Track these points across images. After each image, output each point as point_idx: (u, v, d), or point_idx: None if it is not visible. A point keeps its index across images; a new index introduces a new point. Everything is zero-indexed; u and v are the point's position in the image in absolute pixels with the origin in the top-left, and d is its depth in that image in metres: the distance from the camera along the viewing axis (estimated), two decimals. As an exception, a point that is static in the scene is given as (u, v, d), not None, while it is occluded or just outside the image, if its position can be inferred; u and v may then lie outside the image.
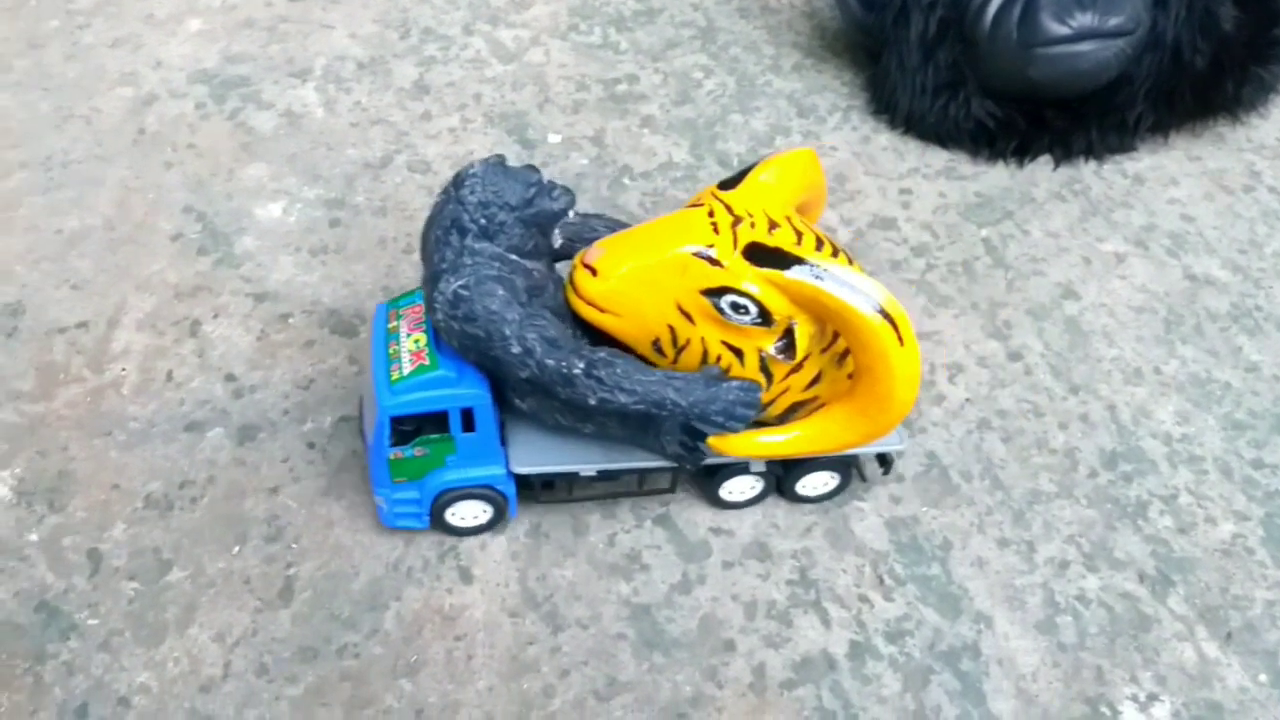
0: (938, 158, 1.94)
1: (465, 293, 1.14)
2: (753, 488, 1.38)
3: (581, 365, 1.15)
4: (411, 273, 1.67)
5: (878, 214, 1.82)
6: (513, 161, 1.79)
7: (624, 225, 1.34)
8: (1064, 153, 1.93)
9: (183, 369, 1.52)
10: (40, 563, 1.31)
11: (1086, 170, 1.93)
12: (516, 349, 1.14)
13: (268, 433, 1.45)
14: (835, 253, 1.18)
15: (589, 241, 1.27)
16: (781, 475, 1.37)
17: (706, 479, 1.37)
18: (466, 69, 2.04)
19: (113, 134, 1.86)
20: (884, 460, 1.39)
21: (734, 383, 1.19)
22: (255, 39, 2.05)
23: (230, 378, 1.52)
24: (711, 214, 1.18)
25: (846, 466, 1.37)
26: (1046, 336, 1.64)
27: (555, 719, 1.20)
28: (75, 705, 1.19)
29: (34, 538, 1.33)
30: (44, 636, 1.25)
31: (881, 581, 1.33)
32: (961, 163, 1.93)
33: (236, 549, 1.33)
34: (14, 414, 1.46)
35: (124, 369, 1.52)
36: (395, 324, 1.26)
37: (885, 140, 1.96)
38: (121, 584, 1.29)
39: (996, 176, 1.91)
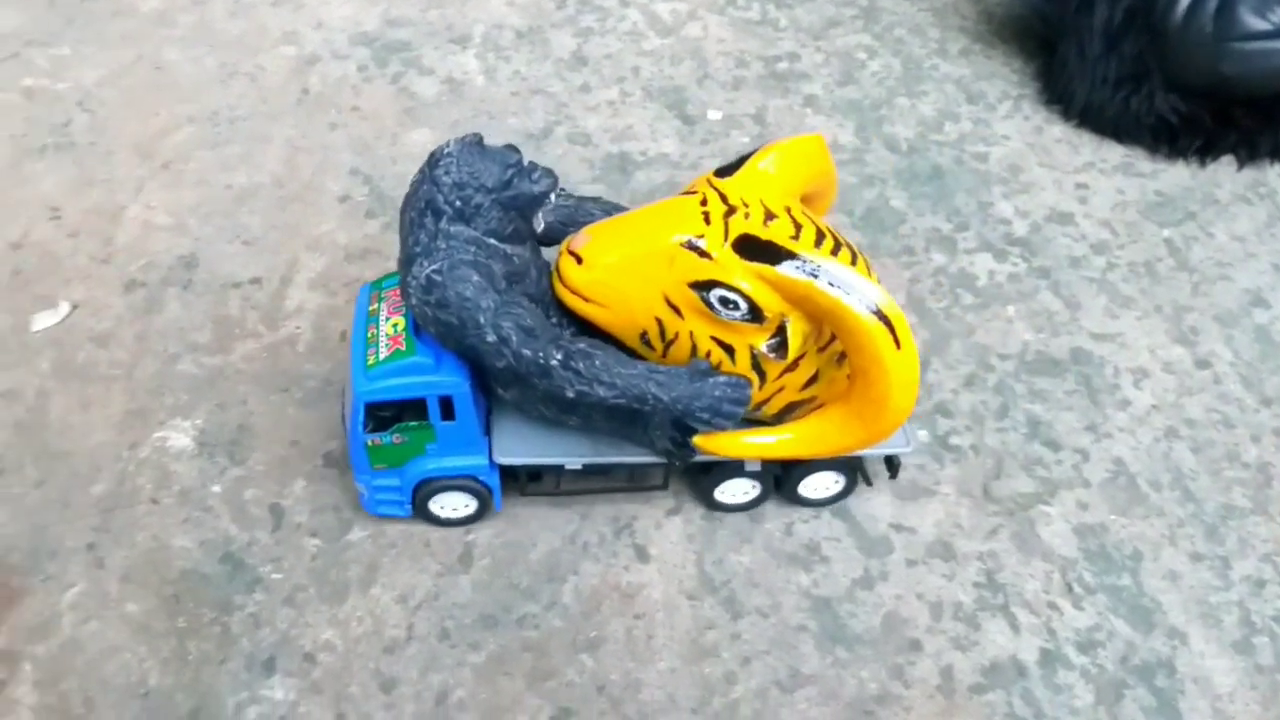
0: (1114, 152, 1.88)
1: (438, 278, 1.09)
2: (747, 493, 1.34)
3: (559, 356, 1.10)
4: (576, 245, 1.67)
5: (1054, 208, 1.77)
6: (672, 137, 1.79)
7: (622, 209, 1.28)
8: (1249, 153, 1.86)
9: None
10: (224, 514, 1.33)
11: (1272, 173, 1.86)
12: (491, 337, 1.10)
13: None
14: (837, 247, 1.12)
15: (582, 226, 1.21)
16: (781, 475, 1.32)
17: (701, 478, 1.33)
18: (624, 41, 2.02)
19: (277, 92, 1.88)
20: (891, 463, 1.35)
21: (721, 378, 1.14)
22: (414, 3, 2.06)
23: (401, 341, 1.52)
24: (704, 202, 1.12)
25: (852, 469, 1.33)
26: (1236, 345, 1.58)
27: (738, 706, 1.19)
28: (263, 658, 1.21)
29: (217, 489, 1.36)
30: (230, 588, 1.27)
31: (1071, 589, 1.30)
32: (1139, 159, 1.87)
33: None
34: (193, 365, 1.49)
35: (298, 327, 1.54)
36: (376, 306, 1.22)
37: (1059, 132, 1.90)
38: (304, 540, 1.31)
39: (1177, 175, 1.84)
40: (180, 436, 1.41)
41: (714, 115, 1.89)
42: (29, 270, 1.59)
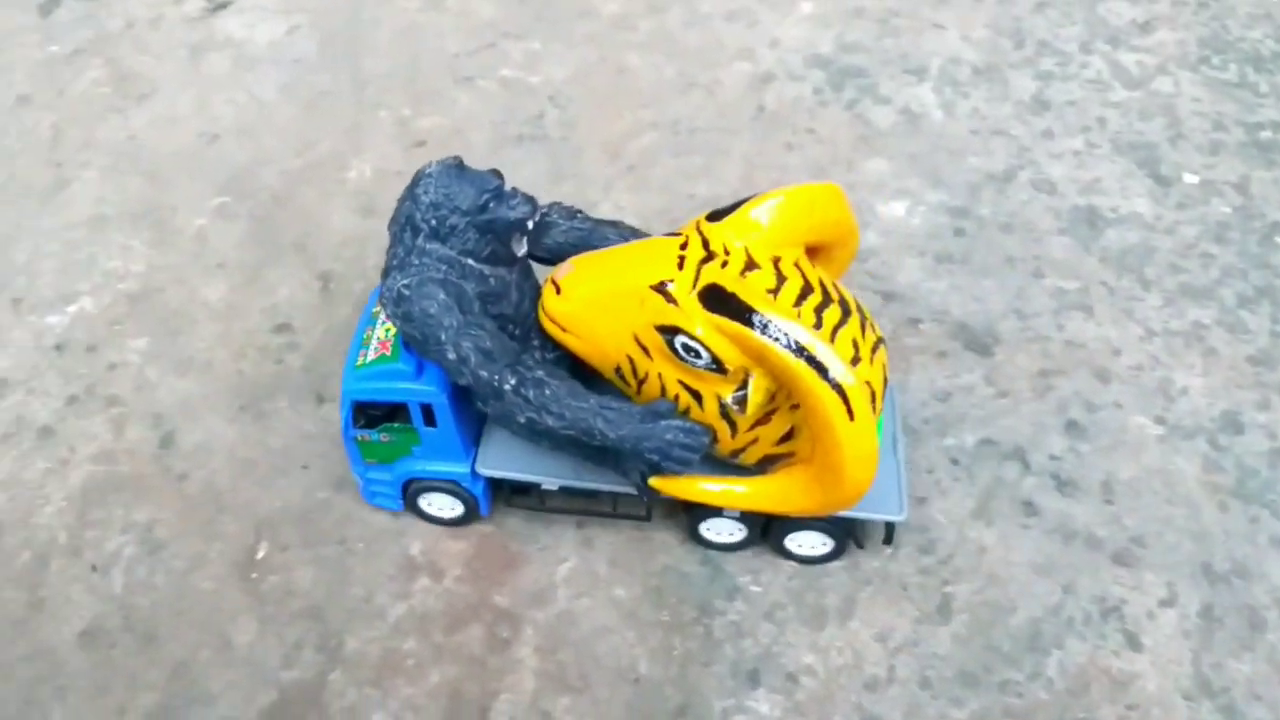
0: None
1: (407, 292, 1.14)
2: (732, 534, 1.33)
3: (512, 381, 1.14)
4: (1043, 299, 1.65)
5: None
6: (1144, 196, 1.73)
7: (639, 235, 1.28)
8: None
9: (820, 355, 1.58)
10: (703, 518, 1.40)
11: None
12: (452, 355, 1.14)
13: (909, 439, 1.48)
14: (825, 305, 1.09)
15: (595, 248, 1.24)
16: (765, 524, 1.30)
17: (686, 513, 1.33)
18: (1087, 89, 1.98)
19: (734, 107, 1.97)
20: (889, 529, 1.31)
21: (676, 422, 1.14)
22: (868, 30, 2.10)
23: (867, 374, 1.55)
24: (685, 245, 1.13)
25: (842, 531, 1.29)
26: None
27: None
28: (747, 668, 1.27)
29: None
30: (710, 590, 1.34)
31: None
32: None
33: (890, 551, 1.36)
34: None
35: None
36: (378, 310, 1.28)
37: None
38: (780, 558, 1.36)
39: None
40: (658, 434, 1.49)
41: (1190, 179, 1.81)
42: (513, 252, 1.74)
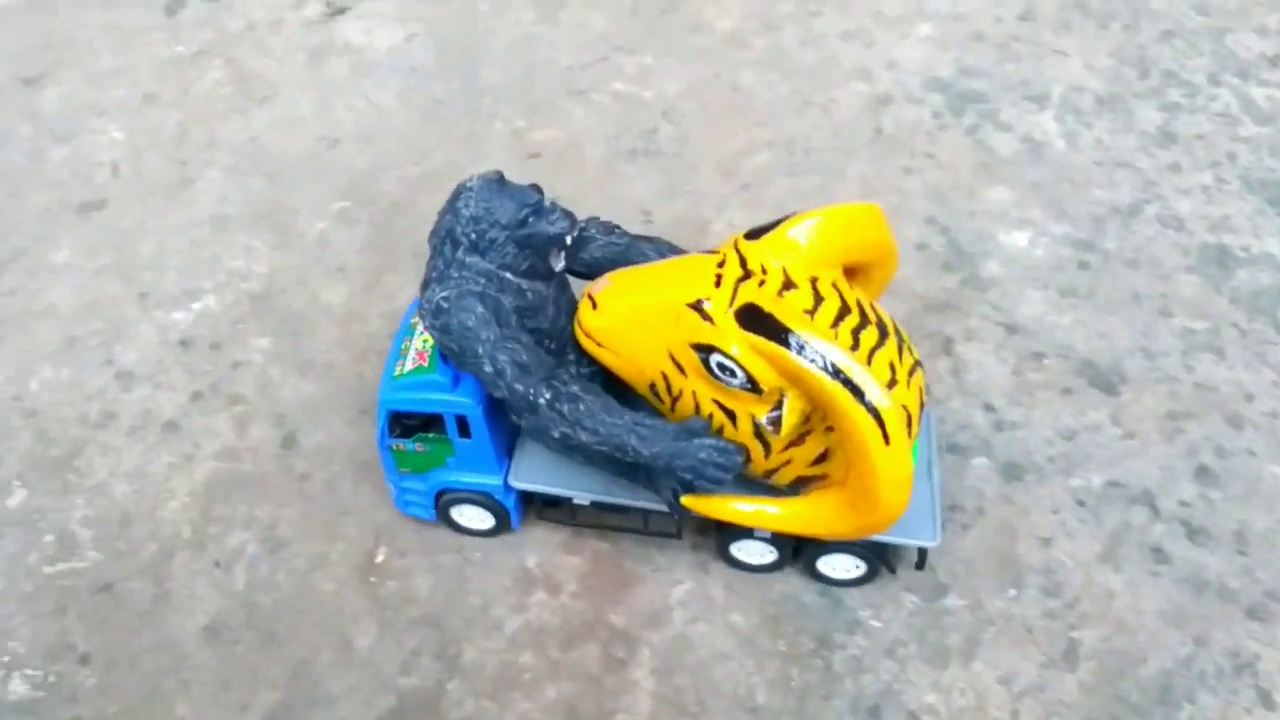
0: None
1: (446, 304, 1.16)
2: (763, 556, 1.33)
3: (547, 395, 1.15)
4: (1171, 338, 1.61)
5: None
6: (1277, 236, 1.68)
7: (679, 252, 1.29)
8: None
9: (939, 386, 1.56)
10: (820, 547, 1.39)
11: None
12: (488, 368, 1.15)
13: (1034, 477, 1.46)
14: (863, 326, 1.08)
15: (633, 263, 1.25)
16: (798, 547, 1.30)
17: (717, 533, 1.33)
18: (1216, 123, 1.93)
19: (850, 128, 1.96)
20: (921, 555, 1.30)
21: (709, 441, 1.15)
22: (987, 54, 2.08)
23: (989, 407, 1.54)
24: (722, 264, 1.13)
25: (875, 555, 1.29)
26: None
27: None
28: (868, 704, 1.26)
29: (811, 520, 1.42)
30: (830, 623, 1.33)
31: None
32: None
33: (1013, 592, 1.34)
34: (783, 390, 1.57)
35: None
36: (416, 322, 1.29)
37: None
38: (901, 593, 1.35)
39: None
40: (774, 459, 1.49)
41: (1326, 220, 1.76)
42: (627, 267, 1.74)
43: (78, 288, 1.74)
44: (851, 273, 1.19)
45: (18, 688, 1.30)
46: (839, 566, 1.33)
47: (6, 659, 1.32)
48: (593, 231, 1.31)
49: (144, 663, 1.32)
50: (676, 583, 1.38)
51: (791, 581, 1.37)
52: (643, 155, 1.93)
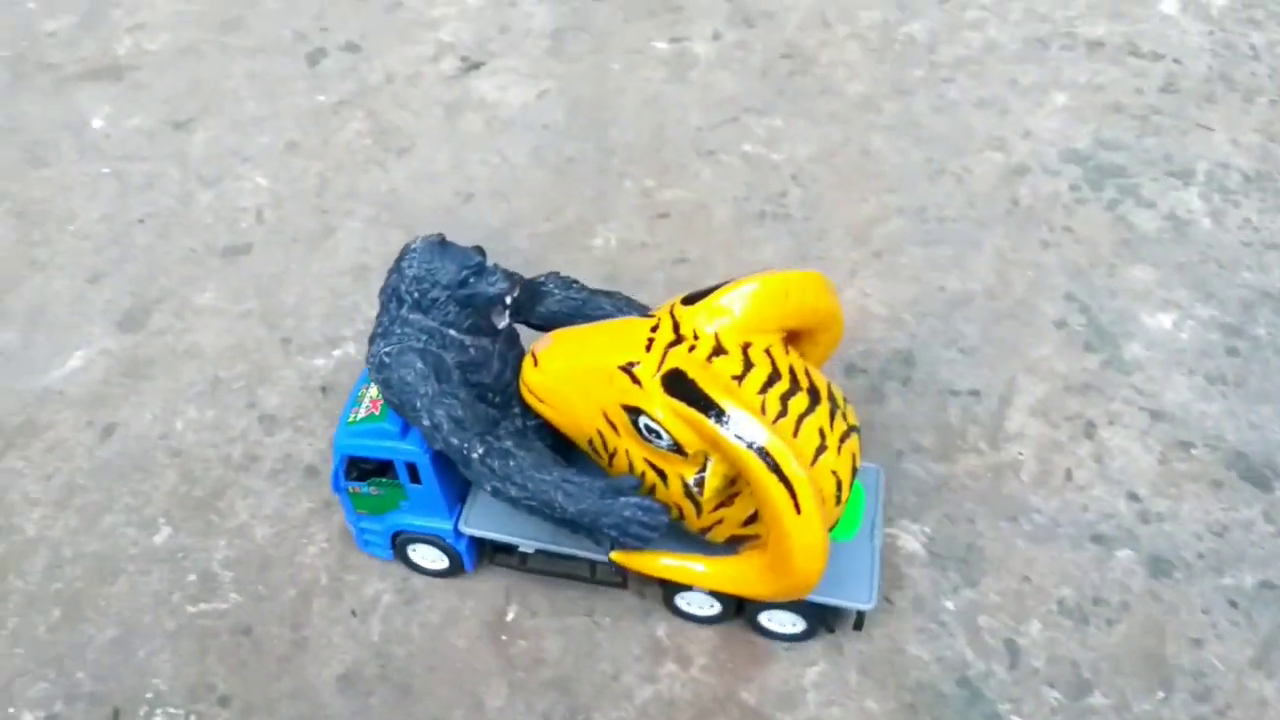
0: None
1: (388, 359, 1.22)
2: (708, 607, 1.35)
3: (480, 450, 1.20)
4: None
5: None
6: None
7: (640, 311, 1.33)
8: None
9: (1081, 471, 1.54)
10: (959, 635, 1.37)
11: None
12: (426, 422, 1.21)
13: (1182, 573, 1.41)
14: (792, 392, 1.13)
15: (589, 319, 1.31)
16: (740, 601, 1.31)
17: (661, 586, 1.35)
18: (1373, 205, 1.87)
19: (985, 198, 1.94)
20: (858, 616, 1.31)
21: (634, 499, 1.19)
22: (1127, 127, 2.05)
23: (1133, 496, 1.50)
24: (655, 328, 1.18)
25: (813, 614, 1.31)
26: None
27: None
28: (1009, 804, 1.23)
29: (950, 605, 1.41)
30: (968, 715, 1.30)
31: None
32: None
33: (1161, 695, 1.30)
34: (918, 467, 1.56)
35: (1021, 453, 1.56)
36: None
37: None
38: (1042, 688, 1.32)
39: None
40: (911, 540, 1.48)
41: None
42: (757, 332, 1.75)
43: (222, 330, 1.81)
44: (796, 337, 1.24)
45: (162, 726, 1.34)
46: (780, 622, 1.35)
47: (150, 695, 1.37)
48: (550, 286, 1.38)
49: (281, 708, 1.36)
50: (810, 663, 1.37)
51: (929, 669, 1.35)
52: (771, 218, 1.95)
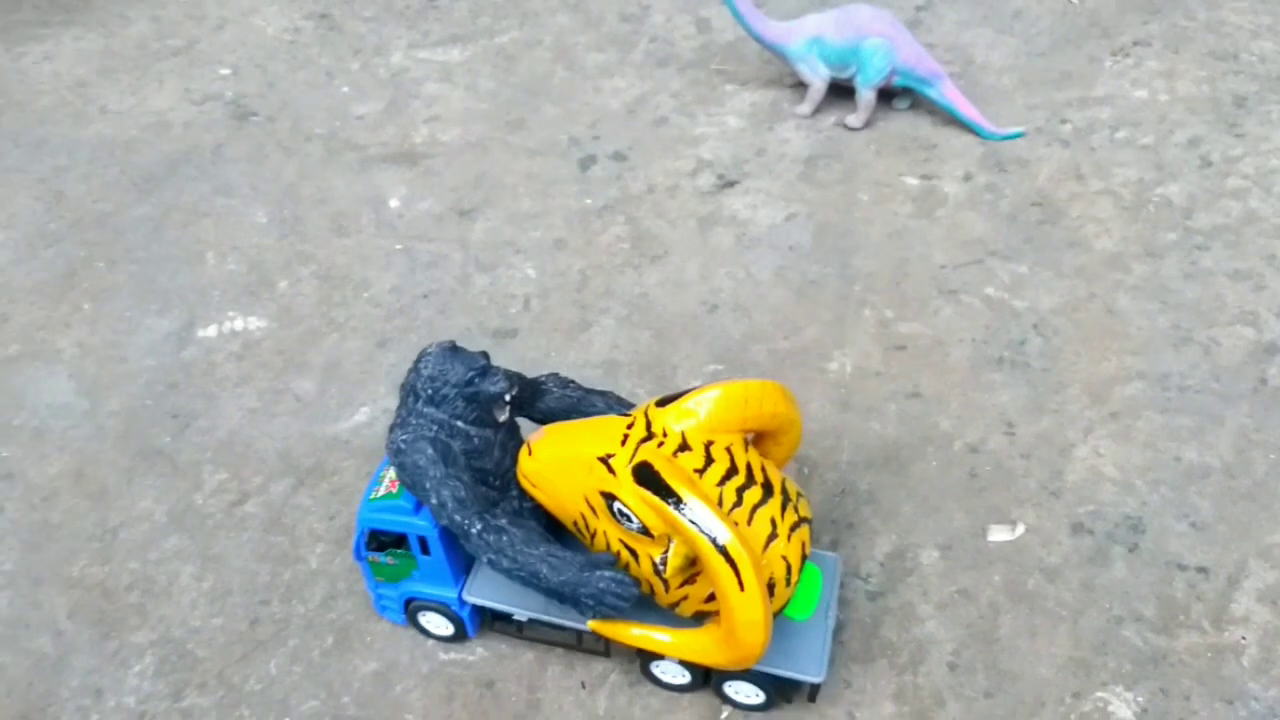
0: None
1: (404, 446, 1.46)
2: (680, 676, 1.55)
3: (479, 526, 1.42)
4: None
5: None
6: None
7: (625, 408, 1.56)
8: None
9: (1311, 667, 1.56)
10: (1165, 811, 1.43)
11: None
12: (434, 500, 1.44)
13: None
14: (747, 486, 1.37)
15: (584, 414, 1.57)
16: (706, 672, 1.51)
17: (639, 655, 1.55)
18: None
19: (1232, 372, 2.00)
20: (811, 689, 1.51)
21: (608, 573, 1.41)
22: (1395, 316, 2.06)
23: (1368, 703, 1.52)
24: (631, 425, 1.41)
25: (770, 684, 1.49)
26: None
27: None
28: None
29: (1157, 779, 1.46)
30: None
31: None
32: None
33: None
34: (1136, 636, 1.62)
35: (1244, 638, 1.61)
36: None
37: None
38: None
39: None
40: (1121, 706, 1.55)
41: None
42: (984, 476, 1.87)
43: (486, 405, 2.08)
44: (760, 438, 1.50)
45: (410, 757, 1.56)
46: (743, 692, 1.53)
47: (392, 733, 1.60)
48: (550, 385, 1.62)
49: (510, 763, 1.55)
50: (1009, 810, 1.45)
51: (1131, 840, 1.41)
52: (1009, 365, 2.07)
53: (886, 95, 2.69)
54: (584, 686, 1.63)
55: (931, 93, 2.62)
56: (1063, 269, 2.26)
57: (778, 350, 2.14)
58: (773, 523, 1.38)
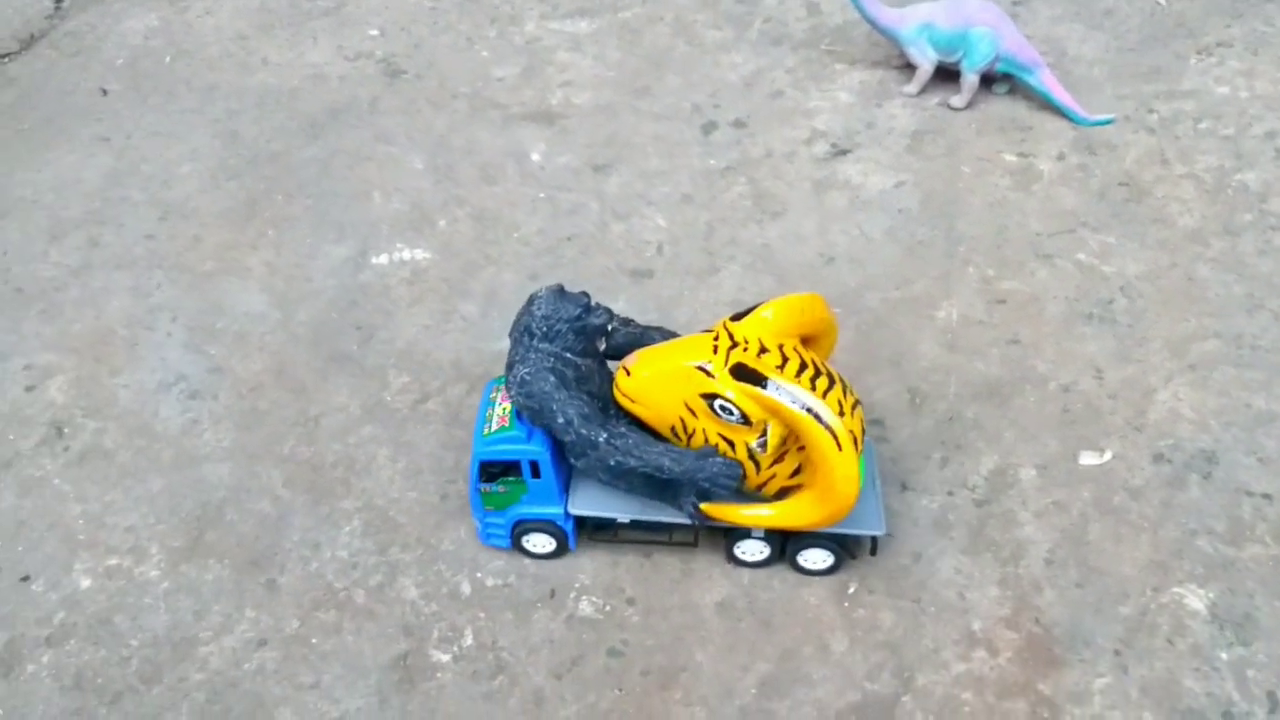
0: None
1: (529, 377, 1.70)
2: (760, 552, 1.87)
3: (604, 435, 1.69)
4: None
5: None
6: None
7: (674, 336, 1.85)
8: None
9: (1361, 577, 1.85)
10: (1228, 679, 1.73)
11: None
12: (560, 420, 1.69)
13: None
14: (816, 376, 1.65)
15: (646, 345, 1.79)
16: (782, 546, 1.84)
17: (724, 538, 1.86)
18: None
19: (1301, 336, 2.28)
20: (874, 543, 1.85)
21: (719, 460, 1.70)
22: None
23: None
24: (717, 338, 1.69)
25: (839, 545, 1.83)
26: None
27: None
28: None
29: (1224, 656, 1.76)
30: (1232, 742, 1.65)
31: None
32: None
33: None
34: (1208, 546, 1.92)
35: (1305, 551, 1.90)
36: (495, 396, 1.85)
37: None
38: (1301, 737, 1.65)
39: None
40: (1195, 600, 1.84)
41: None
42: (1075, 412, 2.17)
43: (630, 333, 2.39)
44: (807, 341, 1.77)
45: (585, 608, 1.89)
46: (814, 559, 1.85)
47: (577, 585, 1.92)
48: (616, 324, 1.87)
49: (672, 616, 1.87)
50: (1098, 675, 1.76)
51: (1199, 700, 1.71)
52: (1098, 320, 2.36)
53: (987, 80, 2.97)
54: (729, 560, 1.94)
55: (1030, 79, 2.90)
56: (1147, 241, 2.55)
57: (890, 299, 2.45)
58: (839, 403, 1.65)
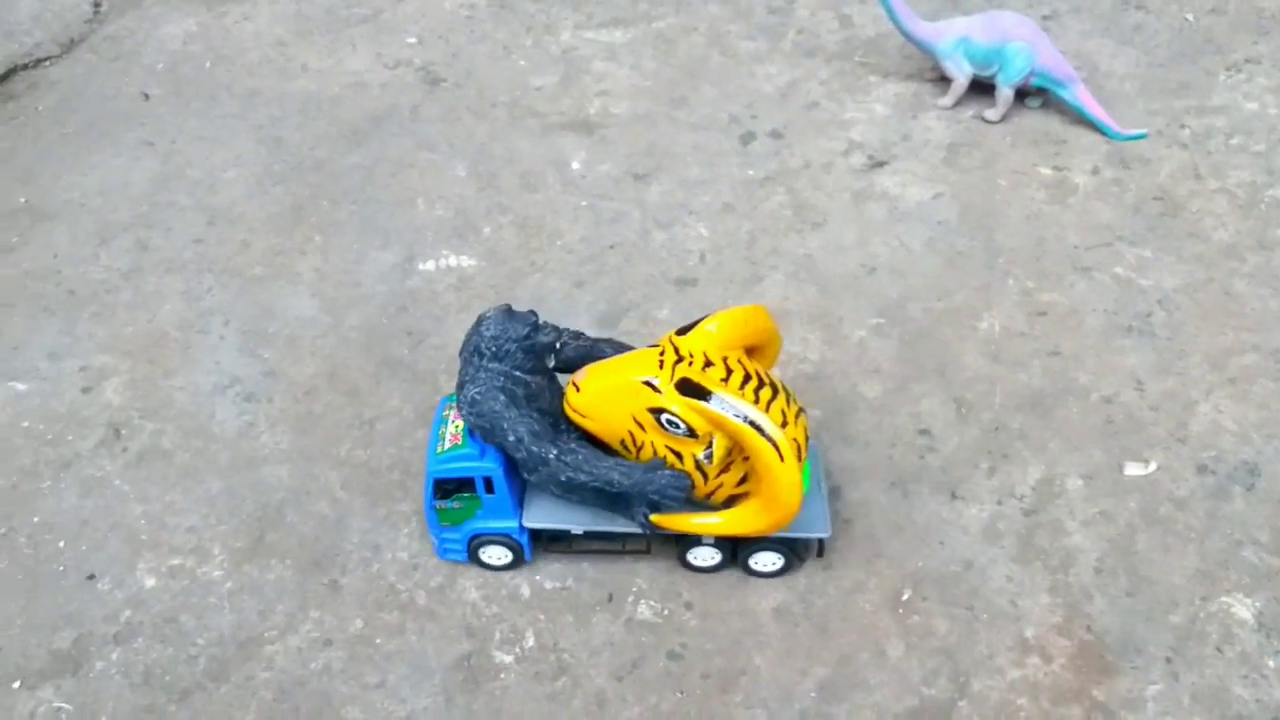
0: None
1: (479, 397, 1.74)
2: (712, 558, 1.91)
3: (554, 452, 1.74)
4: None
5: None
6: None
7: (627, 348, 1.86)
8: None
9: (1405, 588, 1.89)
10: (1278, 687, 1.77)
11: None
12: (511, 438, 1.73)
13: None
14: (760, 387, 1.69)
15: (596, 359, 1.83)
16: (733, 551, 1.89)
17: (676, 545, 1.91)
18: None
19: (1336, 350, 2.32)
20: (820, 545, 1.92)
21: (667, 472, 1.74)
22: None
23: None
24: (663, 353, 1.73)
25: (788, 549, 1.88)
26: None
27: None
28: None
29: (1271, 664, 1.80)
30: (1283, 749, 1.69)
31: None
32: None
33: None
34: (1254, 556, 1.96)
35: (1348, 562, 1.94)
36: (448, 414, 1.87)
37: None
38: (1351, 744, 1.69)
39: None
40: (1242, 609, 1.88)
41: None
42: (1118, 423, 2.21)
43: (676, 341, 2.43)
44: (751, 351, 1.82)
45: (643, 612, 1.92)
46: (764, 562, 1.91)
47: (635, 590, 1.95)
48: (566, 339, 1.89)
49: (730, 621, 1.91)
50: (1150, 682, 1.80)
51: (1248, 706, 1.75)
52: (1137, 333, 2.40)
53: (1019, 94, 3.02)
54: (684, 565, 1.97)
55: (1065, 94, 2.95)
56: (1183, 255, 2.59)
57: (932, 309, 2.49)
58: (782, 413, 1.69)
